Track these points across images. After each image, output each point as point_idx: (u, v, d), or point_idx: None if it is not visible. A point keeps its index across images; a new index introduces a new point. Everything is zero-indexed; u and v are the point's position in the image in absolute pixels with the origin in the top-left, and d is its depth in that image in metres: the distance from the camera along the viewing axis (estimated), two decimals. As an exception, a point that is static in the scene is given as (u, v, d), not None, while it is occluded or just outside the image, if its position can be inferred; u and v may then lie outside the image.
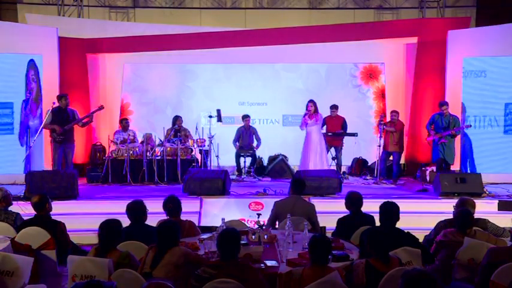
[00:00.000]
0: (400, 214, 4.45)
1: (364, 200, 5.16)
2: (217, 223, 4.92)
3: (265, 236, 4.58)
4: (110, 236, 3.88)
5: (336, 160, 9.70)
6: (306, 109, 9.03)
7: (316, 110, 9.01)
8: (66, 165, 8.47)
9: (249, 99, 11.31)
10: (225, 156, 10.13)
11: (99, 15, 12.19)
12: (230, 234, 3.55)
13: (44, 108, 9.37)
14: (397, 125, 9.38)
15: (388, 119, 9.67)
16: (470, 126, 8.79)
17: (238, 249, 3.56)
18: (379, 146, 9.41)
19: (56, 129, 8.27)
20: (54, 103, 8.39)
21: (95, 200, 7.75)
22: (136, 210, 4.65)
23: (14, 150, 9.57)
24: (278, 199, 5.78)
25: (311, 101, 9.07)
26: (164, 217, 4.84)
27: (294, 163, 10.50)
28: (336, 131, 9.62)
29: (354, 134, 9.65)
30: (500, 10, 11.73)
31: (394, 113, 9.50)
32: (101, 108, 8.88)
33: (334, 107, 9.77)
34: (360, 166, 10.68)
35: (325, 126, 9.72)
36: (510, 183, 9.14)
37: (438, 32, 10.30)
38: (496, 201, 7.52)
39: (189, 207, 6.77)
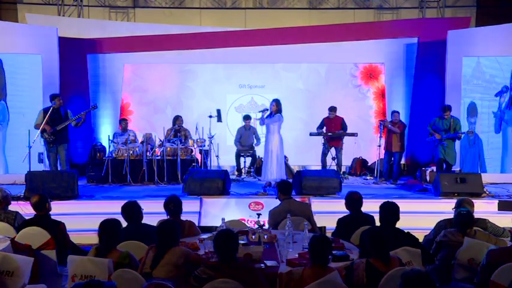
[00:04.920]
0: (400, 214, 4.45)
1: (364, 200, 5.15)
2: (217, 223, 4.92)
3: (265, 236, 4.57)
4: (110, 236, 3.88)
5: (336, 160, 9.70)
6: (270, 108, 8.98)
7: (278, 111, 8.87)
8: (60, 165, 8.41)
9: (249, 99, 11.30)
10: (225, 156, 10.13)
11: (99, 15, 12.19)
12: (225, 235, 3.53)
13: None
14: (400, 126, 9.39)
15: (389, 119, 9.67)
16: (472, 132, 8.77)
17: (236, 249, 3.55)
18: (379, 146, 9.41)
19: (46, 130, 8.21)
20: (54, 103, 8.37)
21: (95, 200, 7.74)
22: (130, 211, 4.65)
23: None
24: (272, 208, 5.50)
25: (275, 100, 8.97)
26: (164, 217, 4.84)
27: (294, 163, 10.52)
28: (335, 131, 9.61)
29: (353, 134, 9.65)
30: (500, 10, 11.73)
31: (396, 113, 9.51)
32: (94, 107, 8.82)
33: (332, 109, 9.68)
34: (360, 166, 10.68)
35: (324, 128, 9.72)
36: (510, 183, 9.15)
37: (438, 32, 10.32)
38: (496, 201, 7.52)
39: (189, 207, 6.75)
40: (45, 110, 8.30)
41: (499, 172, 9.90)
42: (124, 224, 4.42)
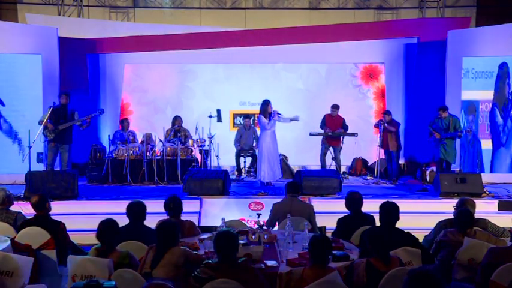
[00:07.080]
0: (400, 214, 4.44)
1: (364, 200, 5.16)
2: (217, 223, 4.93)
3: (265, 236, 4.57)
4: (111, 236, 3.89)
5: (335, 160, 9.70)
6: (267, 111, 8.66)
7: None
8: (61, 165, 8.36)
9: (249, 99, 11.30)
10: (225, 156, 10.13)
11: (99, 15, 12.20)
12: (225, 235, 3.52)
13: (44, 108, 9.34)
14: (394, 125, 9.43)
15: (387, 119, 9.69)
16: (471, 131, 8.75)
17: (236, 249, 3.54)
18: (379, 146, 9.42)
19: (48, 127, 8.18)
20: (54, 103, 8.36)
21: (95, 200, 7.74)
22: (137, 211, 4.64)
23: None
24: (276, 201, 5.77)
25: (268, 101, 8.70)
26: (164, 217, 4.84)
27: (294, 163, 10.52)
28: (335, 130, 9.62)
29: (354, 134, 9.65)
30: (500, 10, 11.74)
31: (388, 113, 9.55)
32: (101, 112, 8.74)
33: (335, 107, 9.74)
34: (360, 166, 10.69)
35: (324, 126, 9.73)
36: (510, 183, 9.15)
37: (438, 32, 10.31)
38: (496, 201, 7.52)
39: (189, 207, 6.74)
40: (52, 107, 8.26)
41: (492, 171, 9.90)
42: (121, 223, 4.43)
